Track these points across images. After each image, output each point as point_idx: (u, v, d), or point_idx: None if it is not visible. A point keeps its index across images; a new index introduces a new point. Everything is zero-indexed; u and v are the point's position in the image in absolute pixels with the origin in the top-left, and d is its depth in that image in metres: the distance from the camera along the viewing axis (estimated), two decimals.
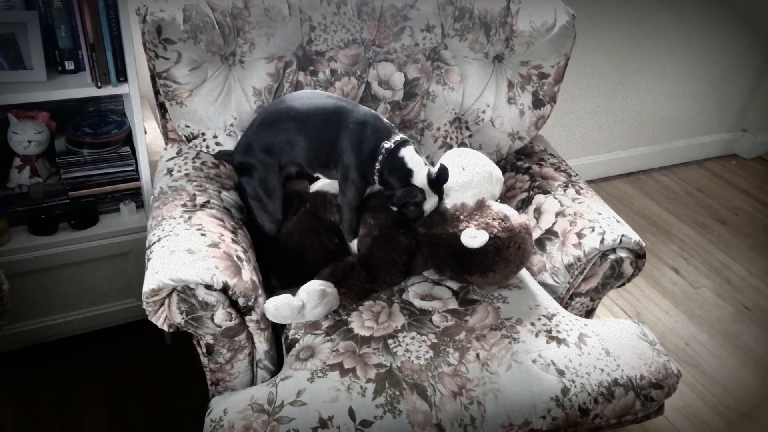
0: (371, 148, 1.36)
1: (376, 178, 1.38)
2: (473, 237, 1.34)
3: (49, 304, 1.68)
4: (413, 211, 1.38)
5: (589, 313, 1.56)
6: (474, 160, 1.49)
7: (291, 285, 1.37)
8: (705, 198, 2.90)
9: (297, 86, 1.56)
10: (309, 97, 1.42)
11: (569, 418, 1.24)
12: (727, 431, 1.79)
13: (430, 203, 1.38)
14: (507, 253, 1.37)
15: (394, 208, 1.40)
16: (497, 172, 1.51)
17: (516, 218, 1.41)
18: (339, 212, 1.44)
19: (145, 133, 1.62)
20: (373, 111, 1.42)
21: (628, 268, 1.46)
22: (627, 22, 2.56)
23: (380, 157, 1.35)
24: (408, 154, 1.36)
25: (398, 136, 1.38)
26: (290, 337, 1.32)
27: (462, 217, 1.39)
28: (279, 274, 1.44)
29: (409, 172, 1.35)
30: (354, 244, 1.46)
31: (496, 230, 1.36)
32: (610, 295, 2.23)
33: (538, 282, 1.52)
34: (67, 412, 1.67)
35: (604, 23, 2.51)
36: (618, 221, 1.50)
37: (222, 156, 1.51)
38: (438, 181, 1.38)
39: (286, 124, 1.39)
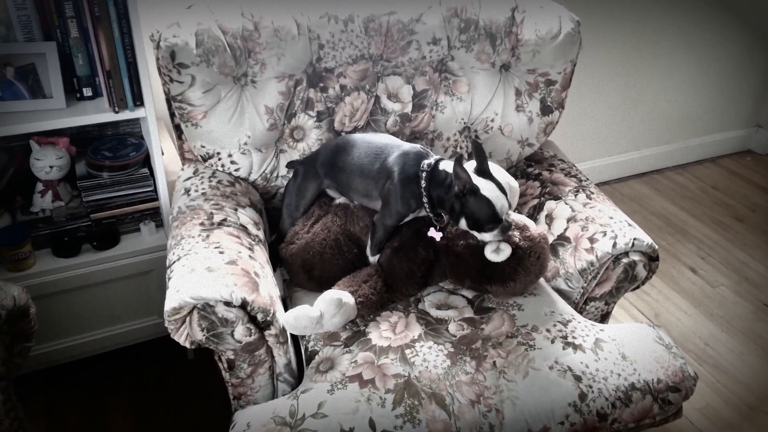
0: (414, 172, 1.39)
1: (425, 200, 1.39)
2: (496, 251, 1.36)
3: (74, 324, 1.73)
4: (482, 211, 1.31)
5: (604, 317, 1.57)
6: (494, 172, 1.50)
7: (309, 288, 1.49)
8: (721, 195, 2.88)
9: (308, 103, 1.60)
10: (367, 141, 1.50)
11: (587, 423, 1.25)
12: (750, 431, 1.78)
13: (488, 190, 1.32)
14: (527, 263, 1.39)
15: (463, 226, 1.36)
16: (515, 183, 1.52)
17: (535, 228, 1.43)
18: (372, 229, 1.47)
19: (162, 154, 1.65)
20: (419, 145, 1.46)
21: (641, 271, 1.47)
22: (636, 19, 2.56)
23: (424, 174, 1.37)
24: (447, 165, 1.37)
25: (437, 156, 1.41)
26: (310, 349, 1.34)
27: None
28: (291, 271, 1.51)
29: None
30: (375, 259, 1.49)
31: (517, 240, 1.38)
32: (629, 296, 2.22)
33: (552, 288, 1.53)
34: (95, 427, 1.71)
35: (612, 22, 2.51)
36: (630, 224, 1.50)
37: (291, 165, 1.63)
38: (480, 161, 1.34)
39: (348, 171, 1.49)
